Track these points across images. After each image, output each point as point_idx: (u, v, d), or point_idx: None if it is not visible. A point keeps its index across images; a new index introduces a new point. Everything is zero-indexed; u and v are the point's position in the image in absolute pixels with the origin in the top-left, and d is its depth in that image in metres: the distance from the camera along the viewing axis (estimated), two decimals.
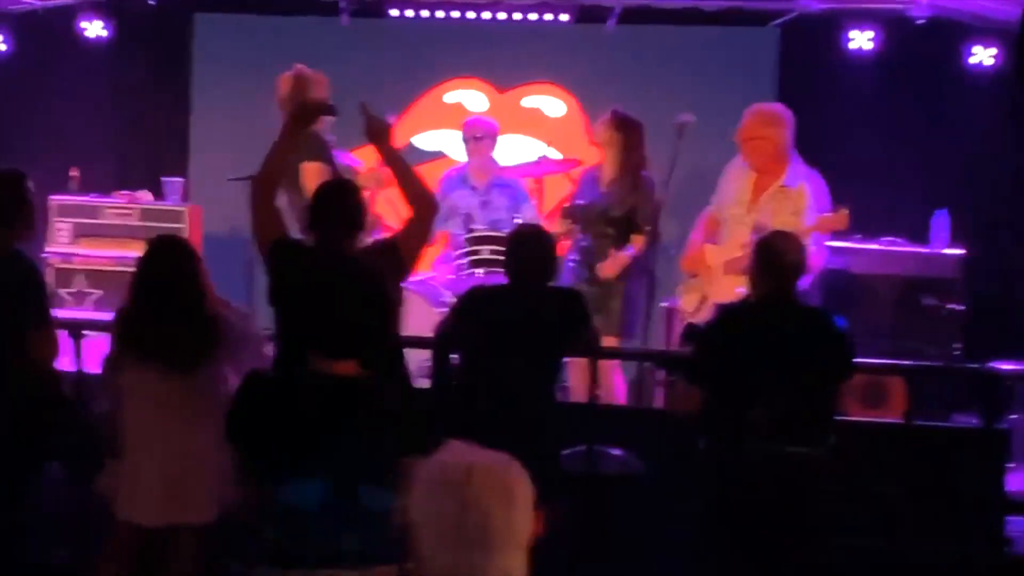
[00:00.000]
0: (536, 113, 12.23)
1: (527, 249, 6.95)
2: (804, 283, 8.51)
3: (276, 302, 3.88)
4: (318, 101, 6.64)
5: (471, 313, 6.94)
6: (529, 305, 6.82)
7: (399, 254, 5.96)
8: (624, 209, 9.22)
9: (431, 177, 11.03)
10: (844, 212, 8.36)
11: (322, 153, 9.02)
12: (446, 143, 12.12)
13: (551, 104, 12.25)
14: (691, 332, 7.35)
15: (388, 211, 10.21)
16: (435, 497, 3.02)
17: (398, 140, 11.82)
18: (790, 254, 6.64)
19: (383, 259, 5.76)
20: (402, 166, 6.42)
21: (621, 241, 9.23)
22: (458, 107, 12.26)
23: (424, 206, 6.31)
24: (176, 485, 5.93)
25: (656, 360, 8.80)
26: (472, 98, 12.30)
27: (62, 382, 6.73)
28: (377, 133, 6.46)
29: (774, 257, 6.60)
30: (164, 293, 6.01)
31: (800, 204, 8.56)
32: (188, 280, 6.03)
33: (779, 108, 8.97)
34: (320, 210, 6.15)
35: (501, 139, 10.51)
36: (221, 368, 5.80)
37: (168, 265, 6.07)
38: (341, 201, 6.20)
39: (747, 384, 6.43)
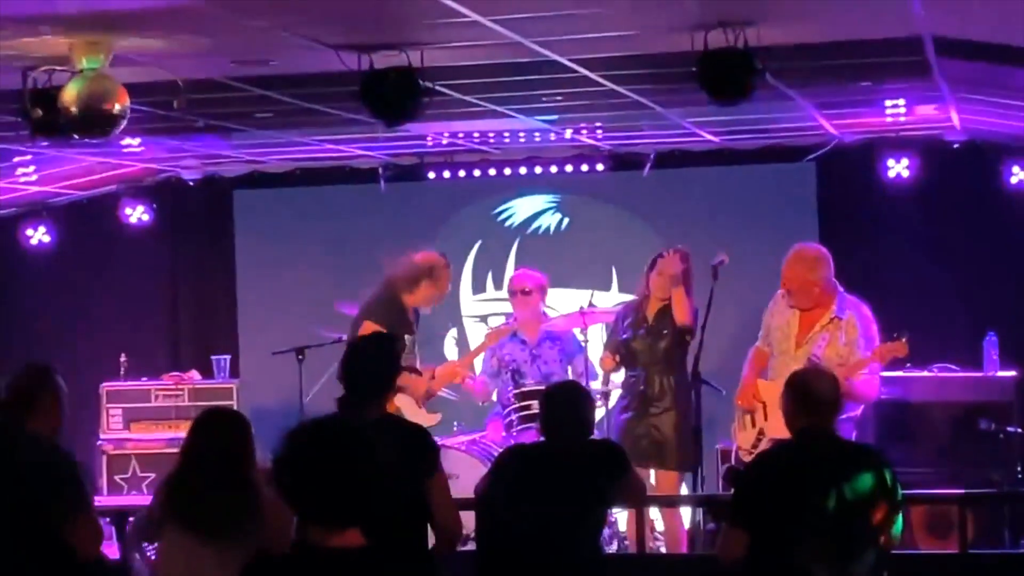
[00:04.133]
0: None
1: (560, 406, 6.87)
2: (857, 411, 8.45)
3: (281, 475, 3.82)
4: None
5: (509, 472, 6.86)
6: (566, 461, 6.72)
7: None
8: (670, 339, 9.18)
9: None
10: (903, 340, 8.28)
11: (391, 318, 9.03)
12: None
13: None
14: (732, 474, 7.24)
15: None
16: None
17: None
18: (824, 389, 6.50)
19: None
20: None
21: (672, 370, 9.19)
22: None
23: (446, 541, 6.21)
24: None
25: (704, 504, 8.66)
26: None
27: (108, 569, 6.67)
28: None
29: (808, 393, 6.47)
30: (209, 463, 6.00)
31: (852, 334, 8.51)
32: (234, 451, 6.01)
33: (816, 249, 8.93)
34: (344, 367, 6.15)
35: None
36: (262, 540, 5.71)
37: (215, 435, 6.07)
38: (364, 359, 6.19)
39: (790, 525, 6.29)
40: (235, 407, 11.13)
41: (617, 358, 9.44)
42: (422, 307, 9.48)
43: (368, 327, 8.90)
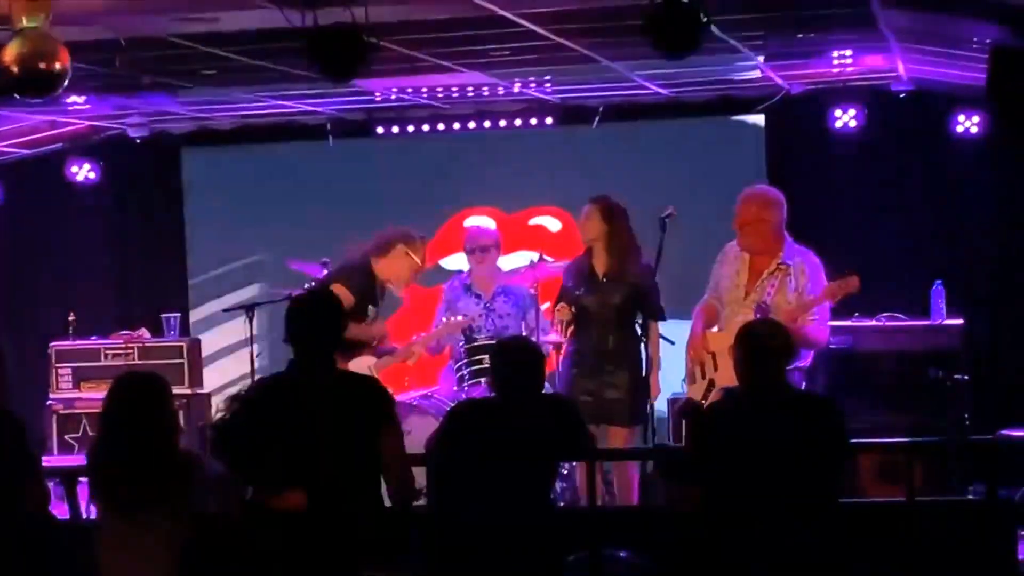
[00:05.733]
0: (540, 230, 12.35)
1: (510, 361, 6.88)
2: (807, 360, 8.50)
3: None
4: None
5: (459, 428, 6.88)
6: (517, 418, 6.73)
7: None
8: (623, 296, 9.17)
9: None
10: (854, 277, 8.31)
11: (360, 283, 9.03)
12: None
13: (551, 222, 12.37)
14: (690, 409, 7.23)
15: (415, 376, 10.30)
16: None
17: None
18: (775, 340, 6.55)
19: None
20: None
21: (624, 328, 9.19)
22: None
23: (399, 493, 6.07)
24: None
25: (654, 457, 8.71)
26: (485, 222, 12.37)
27: (58, 530, 6.65)
28: None
29: (758, 344, 6.52)
30: (122, 432, 5.85)
31: (800, 280, 8.53)
32: (154, 420, 5.85)
33: (772, 190, 8.97)
34: (289, 329, 6.02)
35: (506, 258, 10.57)
36: (188, 509, 5.59)
37: (129, 403, 5.89)
38: (308, 318, 6.04)
39: (742, 476, 6.34)
40: (185, 365, 11.16)
41: (573, 309, 9.40)
42: (392, 283, 9.43)
43: (337, 289, 8.91)
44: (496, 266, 10.30)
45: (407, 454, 6.18)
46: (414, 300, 11.00)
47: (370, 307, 9.19)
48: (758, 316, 8.16)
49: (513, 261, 11.02)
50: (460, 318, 10.04)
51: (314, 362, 5.91)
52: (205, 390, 11.39)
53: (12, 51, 6.79)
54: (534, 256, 10.24)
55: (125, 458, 5.81)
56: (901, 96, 11.42)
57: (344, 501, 3.78)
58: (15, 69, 6.78)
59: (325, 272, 9.83)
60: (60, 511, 7.77)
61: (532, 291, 10.03)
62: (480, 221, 12.28)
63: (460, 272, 10.56)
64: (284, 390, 5.75)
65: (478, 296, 10.19)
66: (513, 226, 12.25)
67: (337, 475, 3.73)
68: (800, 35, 9.13)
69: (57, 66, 6.83)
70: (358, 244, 9.47)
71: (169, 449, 5.81)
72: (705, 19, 7.10)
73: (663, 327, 9.31)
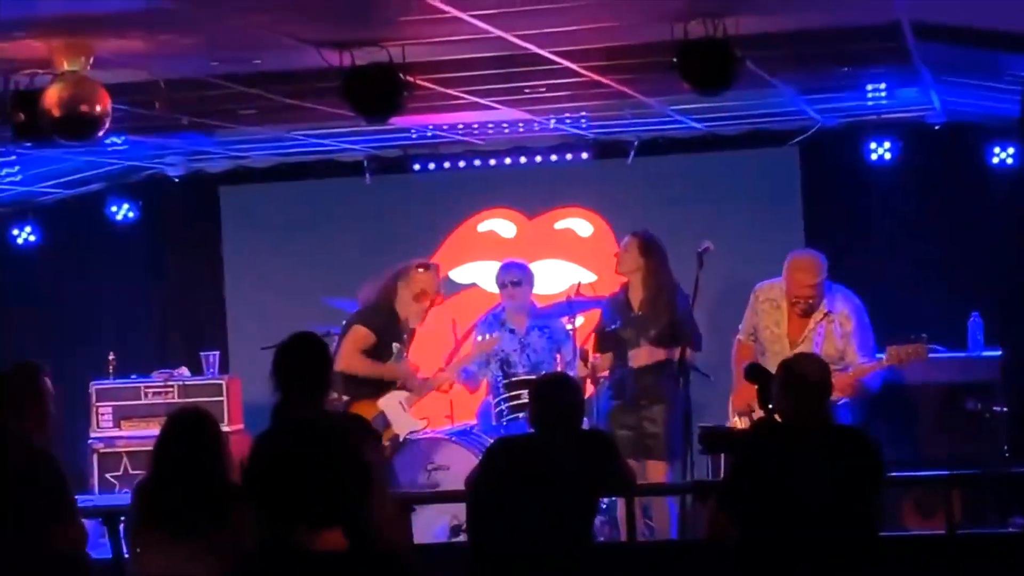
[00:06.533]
0: (568, 234, 12.33)
1: (548, 399, 6.91)
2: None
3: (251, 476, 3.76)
4: None
5: (498, 464, 6.90)
6: (555, 454, 6.76)
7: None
8: (659, 330, 9.21)
9: (463, 307, 11.31)
10: (923, 347, 8.36)
11: (381, 323, 9.11)
12: (479, 274, 12.21)
13: (581, 225, 12.34)
14: (754, 371, 7.16)
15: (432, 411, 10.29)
16: None
17: None
18: (813, 374, 6.56)
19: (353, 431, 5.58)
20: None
21: (661, 362, 9.23)
22: (491, 235, 12.37)
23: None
24: None
25: (693, 492, 8.71)
26: (504, 226, 12.38)
27: (96, 570, 6.69)
28: None
29: (796, 379, 6.52)
30: (180, 466, 5.97)
31: (847, 326, 8.60)
32: (205, 452, 5.98)
33: (816, 256, 8.88)
34: (280, 368, 5.96)
35: (535, 265, 10.61)
36: (239, 537, 5.67)
37: (184, 438, 6.02)
38: (303, 357, 6.00)
39: (778, 508, 6.34)
40: (225, 403, 11.20)
41: (611, 356, 9.49)
42: (412, 318, 9.52)
43: (357, 331, 9.05)
44: (530, 300, 10.34)
45: (386, 500, 6.10)
46: (435, 326, 11.04)
47: (394, 344, 9.26)
48: None
49: (540, 270, 10.98)
50: (492, 336, 10.07)
51: (295, 406, 5.86)
52: (244, 427, 11.43)
53: (53, 94, 6.86)
54: (571, 275, 10.28)
55: (185, 489, 5.92)
56: (936, 128, 11.43)
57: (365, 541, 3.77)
58: (56, 112, 6.85)
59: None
60: (101, 551, 7.83)
61: (568, 326, 10.07)
62: (497, 225, 12.34)
63: (495, 307, 10.59)
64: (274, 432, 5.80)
65: (512, 332, 10.23)
66: (538, 230, 12.28)
67: (362, 515, 3.71)
68: (834, 69, 9.15)
69: (98, 109, 6.90)
70: (372, 284, 9.53)
71: (222, 478, 5.89)
72: (738, 55, 7.13)
73: (699, 362, 9.35)
